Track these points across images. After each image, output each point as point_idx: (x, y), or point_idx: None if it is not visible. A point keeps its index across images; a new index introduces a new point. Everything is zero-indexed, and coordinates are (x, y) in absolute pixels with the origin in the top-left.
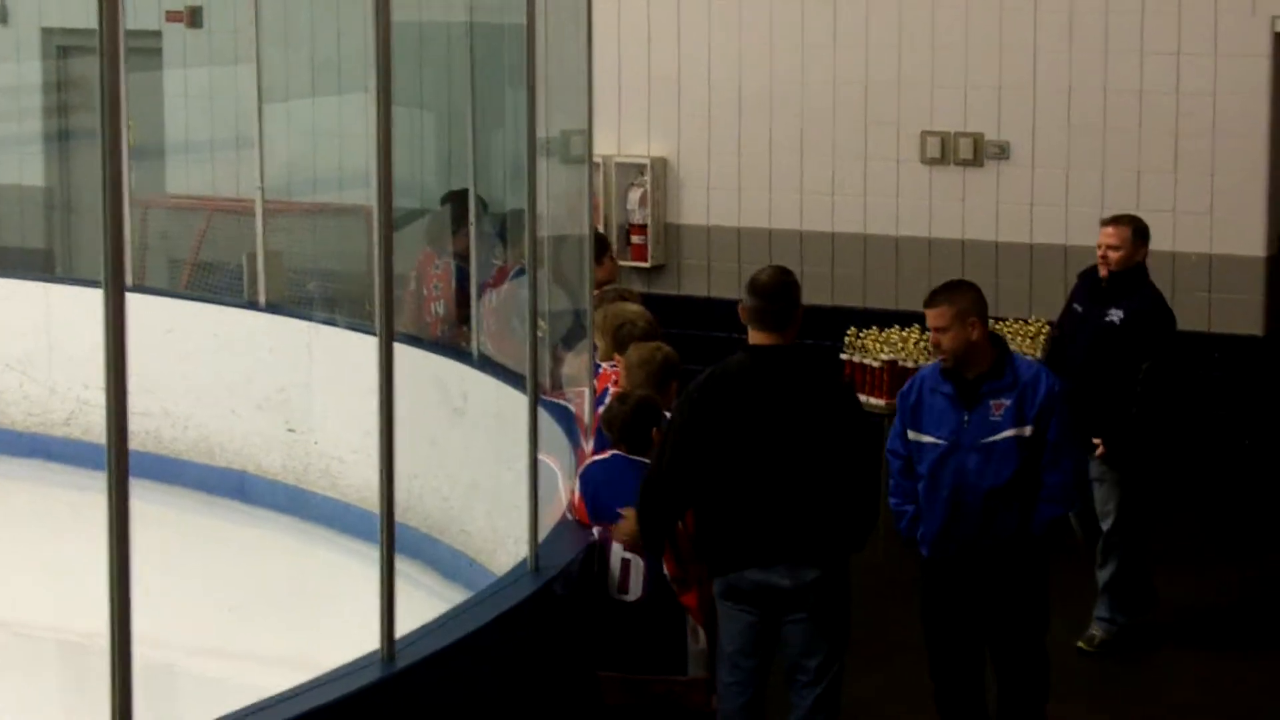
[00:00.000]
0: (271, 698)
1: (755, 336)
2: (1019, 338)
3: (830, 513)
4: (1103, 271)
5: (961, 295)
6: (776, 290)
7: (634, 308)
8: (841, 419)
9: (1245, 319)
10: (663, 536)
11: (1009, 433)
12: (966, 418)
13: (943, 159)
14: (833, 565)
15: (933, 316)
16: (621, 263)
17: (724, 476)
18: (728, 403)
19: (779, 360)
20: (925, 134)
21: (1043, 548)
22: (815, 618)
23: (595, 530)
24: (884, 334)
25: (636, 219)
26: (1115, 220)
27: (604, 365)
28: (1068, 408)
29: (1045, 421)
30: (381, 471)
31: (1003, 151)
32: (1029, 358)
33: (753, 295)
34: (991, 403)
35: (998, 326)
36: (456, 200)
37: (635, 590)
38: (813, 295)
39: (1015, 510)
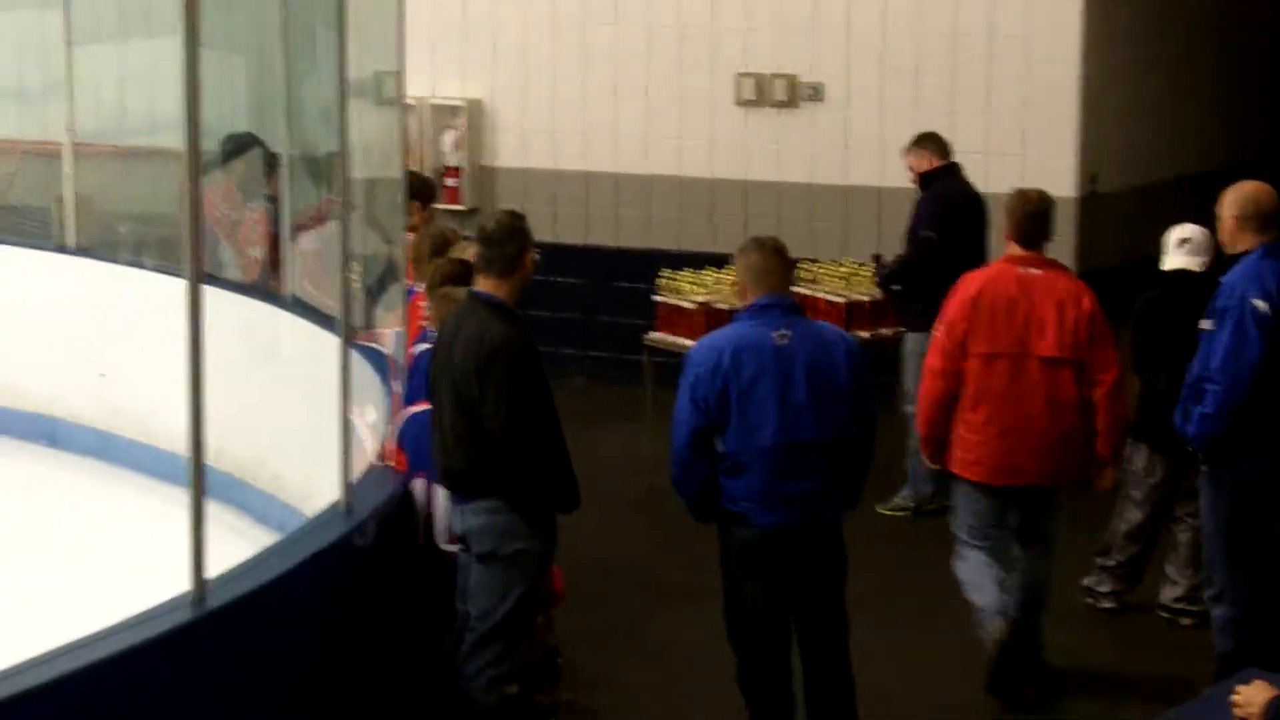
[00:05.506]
0: (82, 639)
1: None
2: (832, 279)
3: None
4: None
5: None
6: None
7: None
8: None
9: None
10: None
11: None
12: None
13: (758, 101)
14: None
15: None
16: (435, 205)
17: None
18: None
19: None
20: (740, 76)
21: None
22: None
23: (417, 481)
24: (698, 275)
25: (451, 161)
26: None
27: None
28: None
29: None
30: (190, 414)
31: (816, 93)
32: None
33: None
34: None
35: (813, 268)
36: (239, 143)
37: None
38: (628, 238)
39: None
